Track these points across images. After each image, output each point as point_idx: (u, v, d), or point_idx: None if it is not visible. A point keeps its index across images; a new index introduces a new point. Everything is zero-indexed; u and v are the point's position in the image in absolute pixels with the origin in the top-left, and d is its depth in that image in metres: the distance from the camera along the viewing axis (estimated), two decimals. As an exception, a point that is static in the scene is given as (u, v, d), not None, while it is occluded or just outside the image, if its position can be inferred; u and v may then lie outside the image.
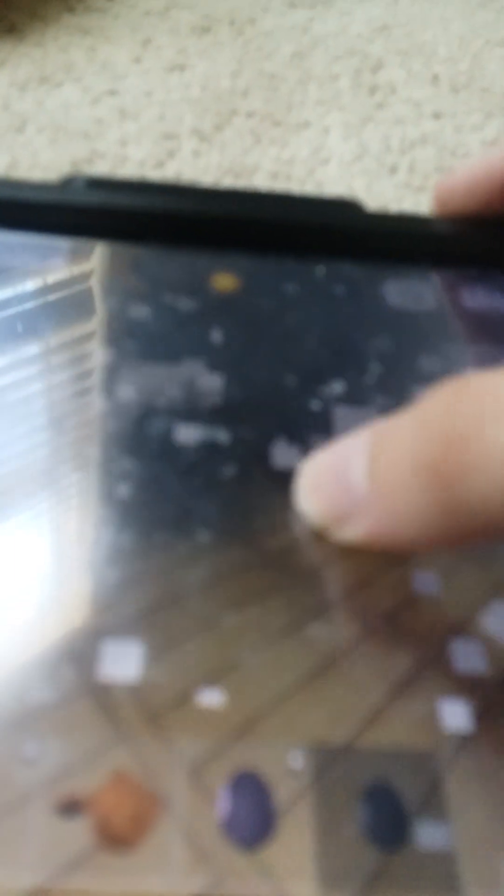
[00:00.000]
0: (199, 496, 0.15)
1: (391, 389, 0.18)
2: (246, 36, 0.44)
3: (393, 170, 0.34)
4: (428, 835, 0.12)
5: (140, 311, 0.18)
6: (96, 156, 0.34)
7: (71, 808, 0.11)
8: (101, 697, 0.12)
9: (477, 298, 0.20)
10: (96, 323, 0.18)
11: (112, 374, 0.17)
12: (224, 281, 0.19)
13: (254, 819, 0.12)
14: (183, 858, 0.11)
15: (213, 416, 0.17)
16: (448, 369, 0.18)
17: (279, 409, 0.17)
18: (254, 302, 0.19)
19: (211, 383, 0.17)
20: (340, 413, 0.17)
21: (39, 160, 0.33)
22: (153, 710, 0.12)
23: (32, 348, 0.17)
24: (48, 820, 0.11)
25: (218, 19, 0.46)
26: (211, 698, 0.13)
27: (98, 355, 0.18)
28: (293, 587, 0.14)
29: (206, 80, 0.40)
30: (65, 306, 0.18)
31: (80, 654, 0.13)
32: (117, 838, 0.11)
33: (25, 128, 0.35)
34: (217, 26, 0.45)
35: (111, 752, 0.12)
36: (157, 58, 0.42)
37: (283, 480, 0.15)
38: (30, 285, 0.19)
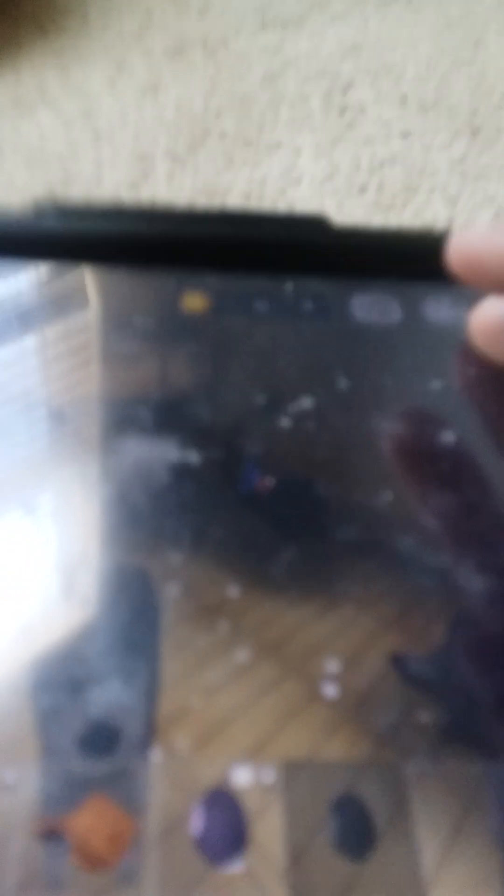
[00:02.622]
0: (171, 517, 0.16)
1: (359, 403, 0.18)
2: (218, 57, 0.45)
3: (363, 189, 0.34)
4: (395, 844, 0.12)
5: (112, 333, 0.19)
6: (71, 178, 0.35)
7: (51, 831, 0.11)
8: (77, 722, 0.13)
9: (441, 311, 0.21)
10: (69, 342, 0.19)
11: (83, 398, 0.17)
12: (194, 301, 0.20)
13: (226, 835, 0.12)
14: (159, 876, 0.11)
15: (185, 437, 0.17)
16: (414, 382, 0.19)
17: (249, 428, 0.17)
18: (224, 321, 0.20)
19: (182, 404, 0.18)
20: (309, 428, 0.17)
21: (14, 183, 0.34)
22: (127, 730, 0.13)
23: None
24: (30, 843, 0.11)
25: (191, 41, 0.46)
26: (182, 718, 0.13)
27: (68, 378, 0.18)
28: (263, 608, 0.15)
29: (179, 102, 0.40)
30: (37, 325, 0.19)
31: (56, 681, 0.13)
32: (96, 858, 0.11)
33: (1, 151, 0.36)
34: (190, 48, 0.46)
35: (87, 776, 0.12)
36: (130, 79, 0.42)
37: (251, 504, 0.16)
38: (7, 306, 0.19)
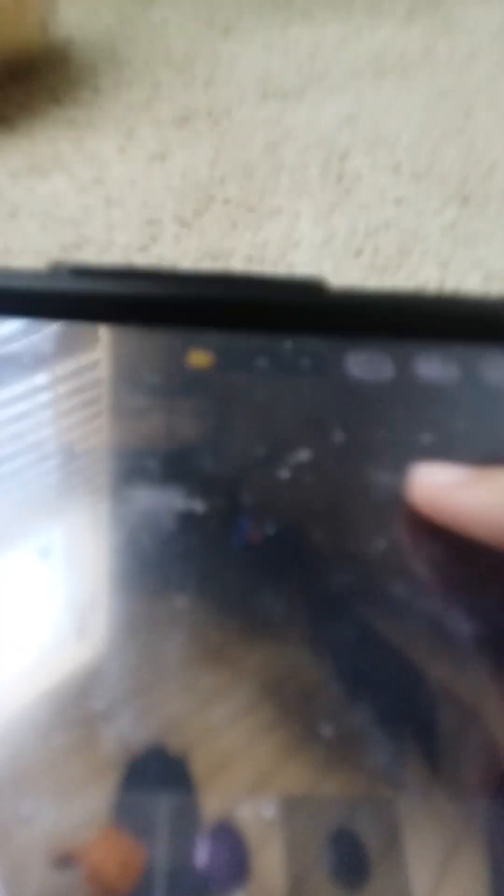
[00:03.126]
0: (176, 564, 0.17)
1: (353, 455, 0.19)
2: (222, 126, 0.47)
3: (358, 252, 0.36)
4: (388, 876, 0.13)
5: (122, 388, 0.20)
6: (84, 241, 0.36)
7: (65, 860, 0.12)
8: (90, 757, 0.13)
9: (432, 368, 0.22)
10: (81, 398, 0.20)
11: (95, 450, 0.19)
12: (199, 358, 0.21)
13: (229, 866, 0.13)
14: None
15: (191, 487, 0.18)
16: (406, 435, 0.20)
17: (249, 478, 0.18)
18: (227, 377, 0.21)
19: (188, 455, 0.19)
20: (306, 479, 0.18)
21: (30, 245, 0.36)
22: (135, 762, 0.13)
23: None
24: (46, 873, 0.12)
25: (196, 110, 0.49)
26: (188, 756, 0.14)
27: (81, 430, 0.19)
28: (263, 651, 0.15)
29: (185, 169, 0.43)
30: (51, 379, 0.20)
31: (69, 717, 0.14)
32: (108, 886, 0.12)
33: (18, 214, 0.38)
34: (195, 117, 0.48)
35: (100, 808, 0.13)
36: (140, 147, 0.45)
37: (248, 552, 0.17)
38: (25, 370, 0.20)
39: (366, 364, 0.21)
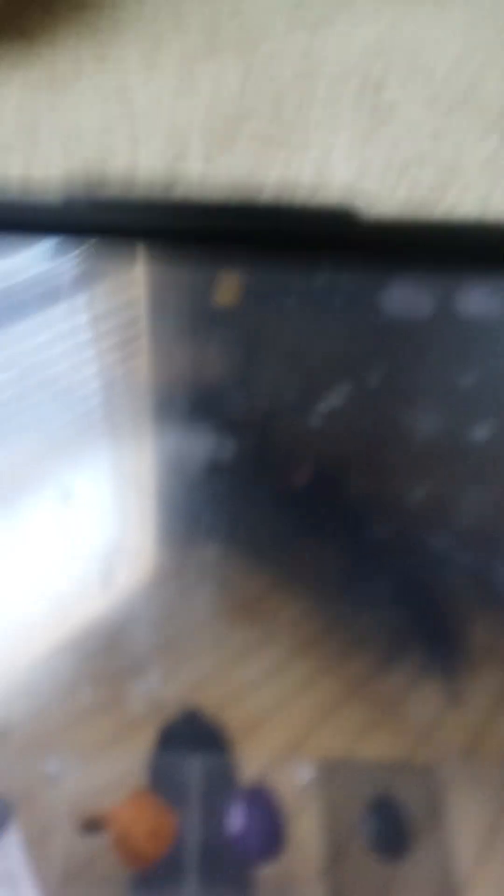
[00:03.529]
0: (206, 511, 0.16)
1: (390, 399, 0.18)
2: (249, 59, 0.45)
3: (394, 189, 0.34)
4: (430, 845, 0.12)
5: (145, 324, 0.19)
6: (109, 155, 0.35)
7: (93, 823, 0.11)
8: (119, 715, 0.13)
9: (474, 303, 0.20)
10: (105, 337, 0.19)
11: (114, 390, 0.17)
12: (225, 294, 0.20)
13: (265, 833, 0.12)
14: (198, 873, 0.11)
15: (220, 428, 0.17)
16: (446, 376, 0.19)
17: (280, 422, 0.17)
18: (255, 315, 0.20)
19: (216, 396, 0.18)
20: (340, 424, 0.17)
21: (52, 160, 0.34)
22: (168, 726, 0.13)
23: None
24: (72, 836, 0.11)
25: (224, 42, 0.47)
26: (219, 715, 0.13)
27: (104, 366, 0.18)
28: (298, 605, 0.15)
29: (211, 102, 0.41)
30: (70, 311, 0.19)
31: (94, 671, 0.13)
32: (137, 852, 0.11)
33: (38, 131, 0.36)
34: (223, 49, 0.46)
35: (129, 769, 0.12)
36: (162, 81, 0.43)
37: (284, 499, 0.16)
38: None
39: (403, 299, 0.20)
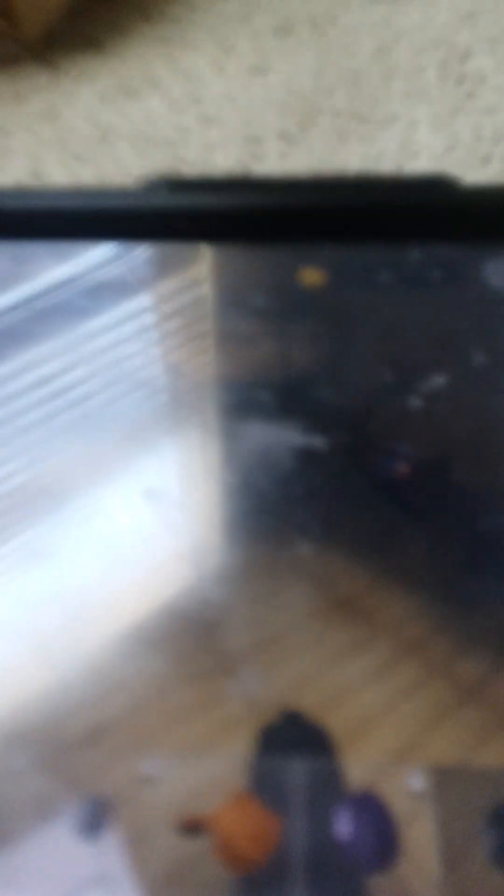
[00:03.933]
0: (298, 506, 0.15)
1: (497, 378, 0.17)
2: (327, 35, 0.44)
3: (486, 160, 0.33)
4: None
5: (228, 312, 0.18)
6: (181, 163, 0.34)
7: (193, 827, 0.11)
8: (215, 715, 0.12)
9: None
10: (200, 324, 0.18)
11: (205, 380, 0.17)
12: (312, 275, 0.19)
13: (377, 840, 0.11)
14: (305, 880, 0.11)
15: (310, 420, 0.16)
16: None
17: (376, 409, 0.16)
18: (344, 296, 0.19)
19: (304, 385, 0.17)
20: (443, 408, 0.16)
21: (124, 169, 0.34)
22: (269, 728, 0.12)
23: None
24: (172, 839, 0.11)
25: (298, 20, 0.45)
26: (322, 718, 0.12)
27: (186, 361, 0.18)
28: (401, 604, 0.14)
29: (289, 82, 0.40)
30: (152, 306, 0.18)
31: (189, 670, 0.13)
32: (241, 857, 0.11)
33: (109, 139, 0.36)
34: (298, 27, 0.45)
35: (228, 771, 0.12)
36: (238, 62, 0.42)
37: (384, 491, 0.15)
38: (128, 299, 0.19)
39: None
